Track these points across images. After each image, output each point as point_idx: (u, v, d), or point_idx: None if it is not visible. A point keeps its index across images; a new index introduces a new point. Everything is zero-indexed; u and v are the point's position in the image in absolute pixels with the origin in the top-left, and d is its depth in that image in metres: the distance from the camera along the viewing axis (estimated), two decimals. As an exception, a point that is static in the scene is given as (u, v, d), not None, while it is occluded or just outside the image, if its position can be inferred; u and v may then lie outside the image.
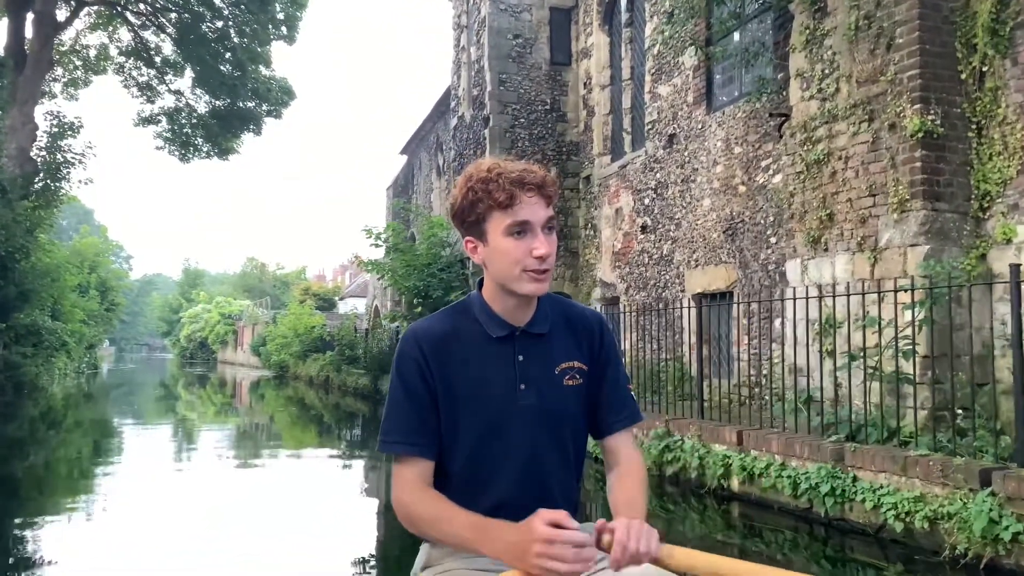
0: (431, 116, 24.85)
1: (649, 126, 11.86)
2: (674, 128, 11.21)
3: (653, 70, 11.78)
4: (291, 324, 29.30)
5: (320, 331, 27.81)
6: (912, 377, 5.94)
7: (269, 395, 23.61)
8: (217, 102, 27.85)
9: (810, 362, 6.82)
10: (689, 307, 9.87)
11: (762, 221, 9.27)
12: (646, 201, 11.92)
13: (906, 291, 5.81)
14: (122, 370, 44.42)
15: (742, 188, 9.65)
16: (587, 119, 13.99)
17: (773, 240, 9.08)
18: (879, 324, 6.00)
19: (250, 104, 28.20)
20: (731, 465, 6.58)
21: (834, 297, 6.57)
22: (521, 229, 1.46)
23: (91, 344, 32.15)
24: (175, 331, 61.37)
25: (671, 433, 7.46)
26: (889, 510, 5.04)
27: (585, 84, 14.05)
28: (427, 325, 1.59)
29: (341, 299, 45.68)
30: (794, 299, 7.03)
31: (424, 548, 1.60)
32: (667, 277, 11.32)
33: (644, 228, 11.93)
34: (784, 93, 8.61)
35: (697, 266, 10.58)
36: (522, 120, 14.13)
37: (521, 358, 1.55)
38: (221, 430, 14.39)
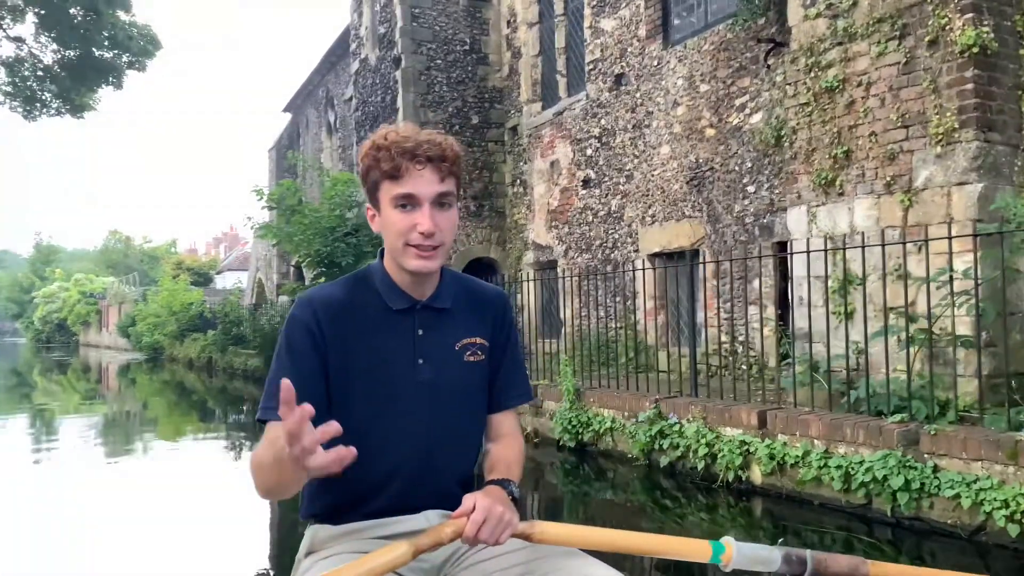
0: (320, 68, 22.64)
1: (591, 66, 10.54)
2: (622, 67, 9.93)
3: (594, 2, 10.42)
4: (165, 301, 26.38)
5: (199, 308, 25.13)
6: (972, 340, 4.94)
7: (142, 380, 20.99)
8: (68, 52, 24.37)
9: (808, 326, 5.74)
10: (644, 269, 8.72)
11: (737, 168, 8.16)
12: (588, 152, 10.63)
13: (964, 238, 4.79)
14: (-38, 358, 39.42)
15: (710, 131, 8.50)
16: (512, 62, 12.51)
17: (751, 189, 7.99)
18: (928, 278, 4.96)
19: (107, 55, 24.86)
20: (752, 453, 5.42)
21: (864, 248, 5.49)
22: (406, 202, 1.41)
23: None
24: (27, 313, 55.44)
25: (663, 415, 6.24)
26: (998, 509, 3.99)
27: (509, 22, 12.54)
28: (324, 292, 1.50)
29: (218, 273, 42.35)
30: (807, 252, 5.90)
31: (308, 532, 1.53)
32: (616, 236, 10.10)
33: (587, 182, 10.65)
34: (770, 15, 7.47)
35: (654, 222, 9.40)
36: (439, 62, 12.49)
37: (421, 332, 1.51)
38: (87, 418, 12.18)
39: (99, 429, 11.15)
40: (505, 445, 1.59)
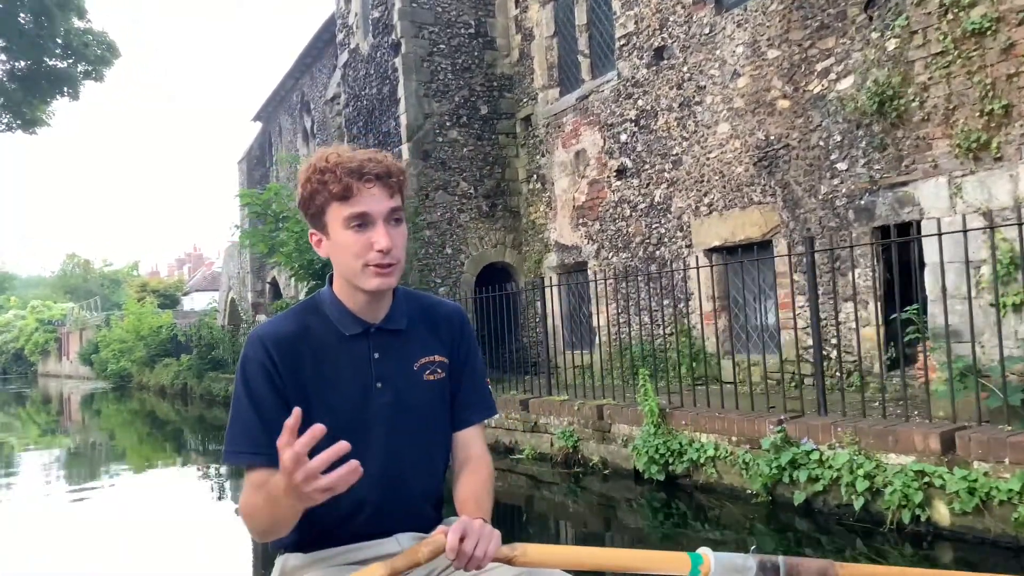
0: (293, 71, 21.22)
1: (622, 42, 9.37)
2: (663, 39, 8.77)
3: (624, -31, 9.27)
4: (131, 326, 24.59)
5: (170, 331, 23.41)
6: None
7: (109, 411, 19.28)
8: (17, 62, 22.63)
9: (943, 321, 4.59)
10: (699, 267, 7.55)
11: (821, 143, 7.03)
12: (623, 137, 9.44)
13: None
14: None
15: (783, 103, 7.36)
16: (523, 45, 11.30)
17: (842, 166, 6.86)
18: None
19: (61, 64, 23.16)
20: (937, 486, 4.23)
21: None
22: (361, 221, 1.39)
23: None
24: (-19, 344, 52.57)
25: (791, 440, 5.03)
26: None
27: (518, 2, 11.34)
28: (273, 326, 1.49)
29: (185, 295, 40.39)
30: (964, 231, 4.75)
31: (278, 563, 1.52)
32: (662, 230, 8.91)
33: (622, 172, 9.45)
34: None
35: (711, 212, 8.23)
36: (442, 47, 11.23)
37: (377, 355, 1.49)
38: (49, 453, 10.67)
39: (64, 463, 9.67)
40: (472, 472, 1.54)
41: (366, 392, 1.46)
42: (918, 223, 5.54)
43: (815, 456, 4.86)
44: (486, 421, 1.64)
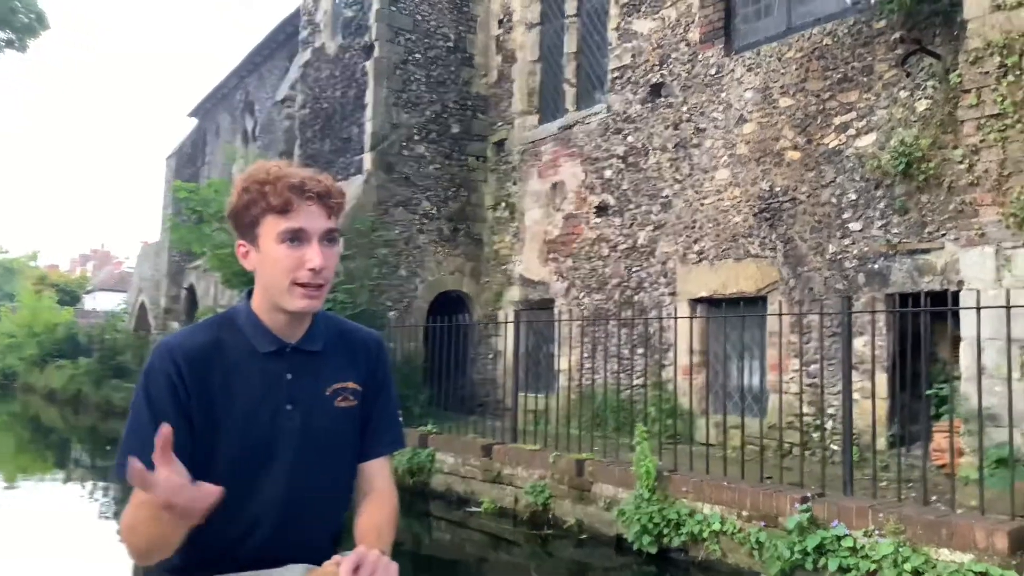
0: (240, 69, 20.13)
1: (616, 74, 8.91)
2: (662, 76, 8.35)
3: (624, 0, 8.85)
4: (24, 320, 22.48)
5: (69, 330, 21.46)
6: None
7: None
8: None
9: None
10: (673, 317, 7.04)
11: (833, 200, 6.65)
12: (607, 173, 8.93)
13: None
14: None
15: (793, 154, 6.99)
16: (503, 67, 10.74)
17: (855, 227, 6.48)
18: None
19: (-22, 29, 21.32)
20: (1003, 595, 3.71)
21: None
22: (296, 237, 1.36)
23: None
24: None
25: (819, 522, 4.46)
26: None
27: (501, 22, 10.80)
28: (183, 338, 1.44)
29: (88, 293, 37.74)
30: (1007, 307, 4.37)
31: None
32: (643, 275, 8.38)
33: (603, 209, 8.92)
34: (894, 17, 6.08)
35: (701, 260, 7.75)
36: (417, 56, 10.55)
37: (290, 376, 1.44)
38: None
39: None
40: (376, 504, 1.50)
41: (275, 413, 1.41)
42: (944, 293, 5.14)
43: (847, 543, 4.29)
44: (407, 456, 1.49)
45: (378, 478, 1.53)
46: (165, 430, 1.11)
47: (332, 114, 11.26)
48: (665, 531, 5.23)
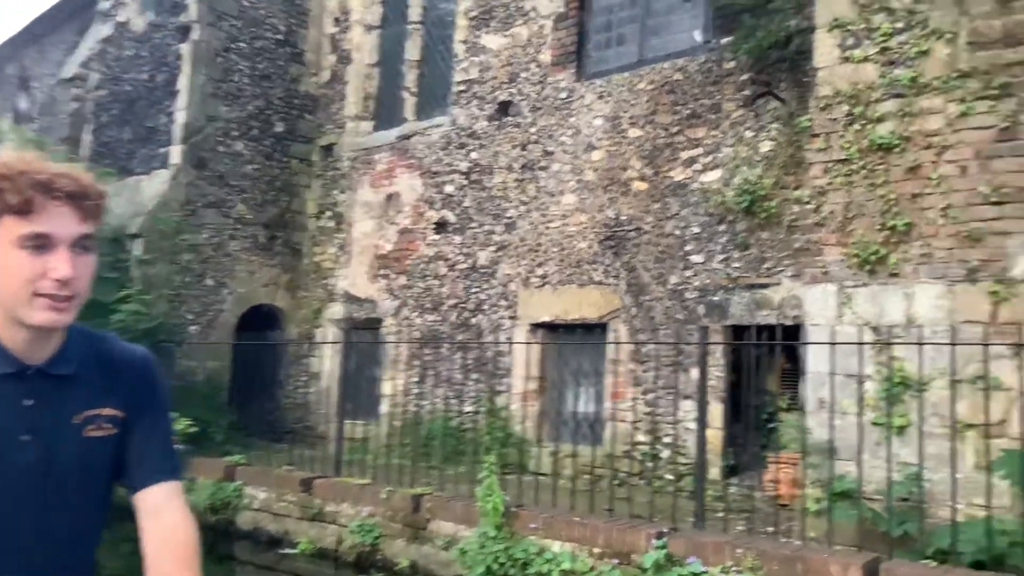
0: (15, 40, 17.62)
1: (462, 87, 8.59)
2: (511, 94, 8.14)
3: (473, 12, 8.59)
4: None
5: None
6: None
7: None
8: None
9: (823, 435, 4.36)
10: (542, 342, 6.86)
11: (677, 232, 6.71)
12: (448, 189, 8.54)
13: None
14: None
15: (640, 185, 7.00)
16: (337, 67, 10.06)
17: (697, 259, 6.57)
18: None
19: None
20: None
21: (953, 346, 4.26)
22: (39, 243, 1.17)
23: None
24: None
25: (675, 559, 4.27)
26: None
27: (337, 20, 10.14)
28: None
29: None
30: (859, 344, 4.55)
31: None
32: (482, 296, 8.05)
33: (442, 226, 8.50)
34: (742, 60, 6.29)
35: (544, 285, 7.55)
36: (242, 45, 9.61)
37: (30, 403, 1.25)
38: None
39: None
40: (159, 555, 1.28)
41: (8, 446, 1.22)
42: (776, 327, 5.25)
43: (708, 583, 4.14)
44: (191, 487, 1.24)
45: (165, 512, 1.31)
46: None
47: (136, 99, 9.95)
48: (511, 571, 4.83)
